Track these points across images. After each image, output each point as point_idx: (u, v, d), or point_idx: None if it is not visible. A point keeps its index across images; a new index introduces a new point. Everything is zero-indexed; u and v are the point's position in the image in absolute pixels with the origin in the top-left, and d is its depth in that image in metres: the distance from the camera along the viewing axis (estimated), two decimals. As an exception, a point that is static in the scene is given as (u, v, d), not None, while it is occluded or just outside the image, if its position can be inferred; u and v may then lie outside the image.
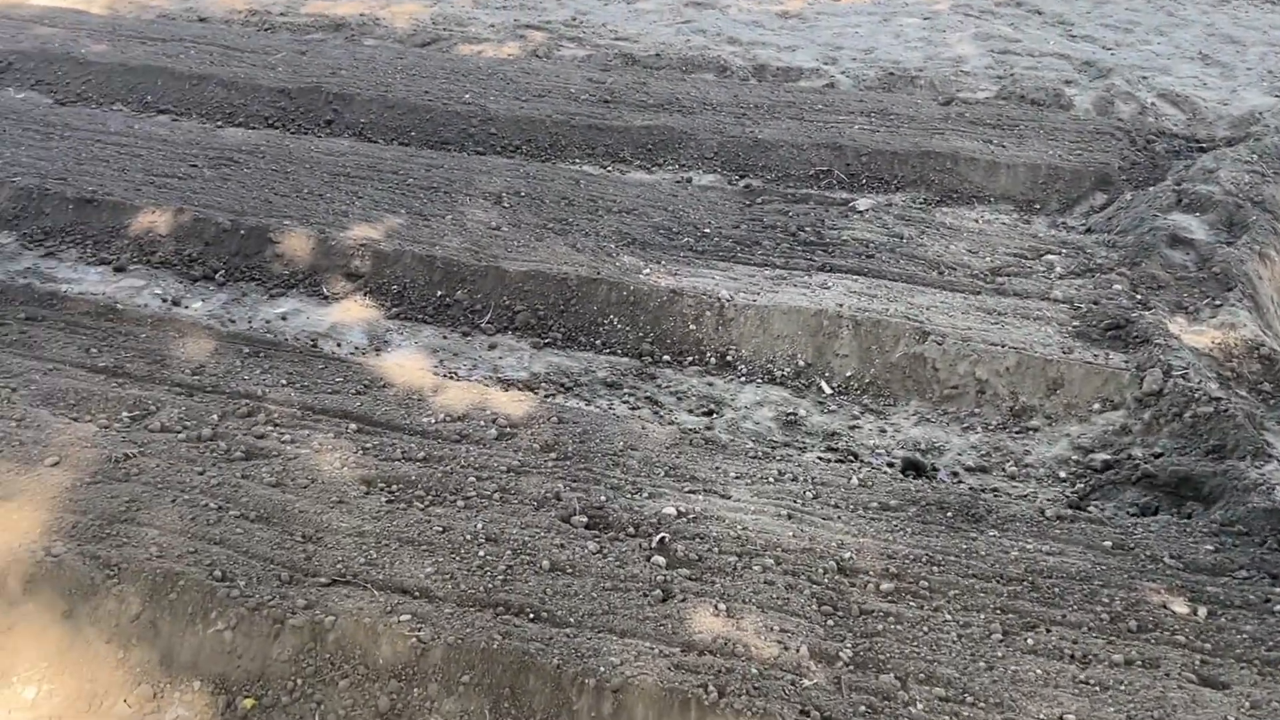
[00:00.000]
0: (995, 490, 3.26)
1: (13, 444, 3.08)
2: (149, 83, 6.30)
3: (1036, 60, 7.09)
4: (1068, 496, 3.24)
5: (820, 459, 3.39)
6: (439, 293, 4.31)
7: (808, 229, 4.75)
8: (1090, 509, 3.16)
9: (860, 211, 4.95)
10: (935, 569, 2.66)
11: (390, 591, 2.53)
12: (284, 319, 4.19)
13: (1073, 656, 2.42)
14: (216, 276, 4.48)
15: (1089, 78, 6.78)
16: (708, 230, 4.72)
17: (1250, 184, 5.12)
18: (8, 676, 2.49)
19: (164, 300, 4.28)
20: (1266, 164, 5.38)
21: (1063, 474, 3.38)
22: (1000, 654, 2.41)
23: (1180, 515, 3.06)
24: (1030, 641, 2.45)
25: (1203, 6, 8.30)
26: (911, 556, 2.69)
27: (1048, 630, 2.49)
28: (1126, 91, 6.51)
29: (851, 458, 3.44)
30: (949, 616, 2.49)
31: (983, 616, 2.50)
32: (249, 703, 2.37)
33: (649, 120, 5.93)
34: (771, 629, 2.42)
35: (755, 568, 2.62)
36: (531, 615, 2.46)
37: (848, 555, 2.69)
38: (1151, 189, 5.24)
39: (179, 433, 3.16)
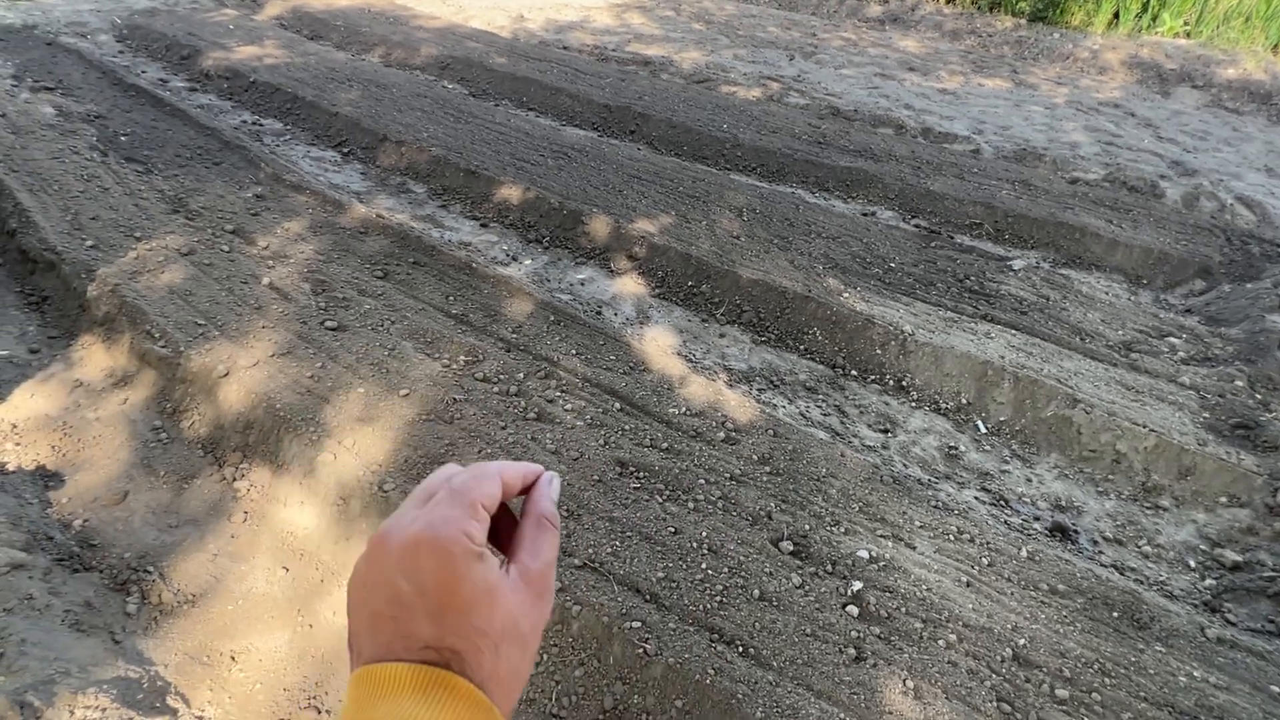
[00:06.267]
0: (1134, 569, 2.22)
1: (382, 371, 2.46)
2: (525, 89, 5.48)
3: (1135, 154, 5.43)
4: (1202, 591, 2.17)
5: (977, 499, 2.42)
6: (689, 283, 3.43)
7: (972, 278, 3.56)
8: (1226, 610, 2.09)
9: (1015, 270, 3.71)
10: (1107, 680, 1.69)
11: (627, 589, 1.79)
12: (582, 284, 3.42)
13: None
14: (543, 241, 3.74)
15: (1177, 174, 5.12)
16: (893, 265, 3.61)
17: (1347, 299, 3.56)
18: (340, 576, 1.93)
19: (507, 254, 3.59)
20: (1360, 282, 3.75)
21: (1192, 562, 2.28)
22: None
23: (1327, 652, 1.96)
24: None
25: (1260, 125, 6.32)
26: (1084, 660, 1.73)
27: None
28: (1210, 191, 4.85)
29: (1002, 502, 2.44)
30: (1124, 749, 1.56)
31: (1158, 758, 1.56)
32: (505, 663, 1.73)
33: (849, 162, 4.72)
34: (956, 726, 1.57)
35: (939, 642, 1.73)
36: (740, 649, 1.67)
37: (1022, 643, 1.76)
38: (1249, 285, 3.74)
39: (494, 384, 2.48)
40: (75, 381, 2.47)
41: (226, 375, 2.34)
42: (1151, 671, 1.73)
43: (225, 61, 5.26)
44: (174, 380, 2.40)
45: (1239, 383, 2.99)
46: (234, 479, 2.16)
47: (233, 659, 1.73)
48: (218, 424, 2.29)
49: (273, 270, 2.92)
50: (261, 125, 4.63)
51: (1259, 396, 2.93)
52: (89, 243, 2.95)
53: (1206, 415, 2.76)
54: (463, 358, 2.58)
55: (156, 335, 2.49)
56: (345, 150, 4.43)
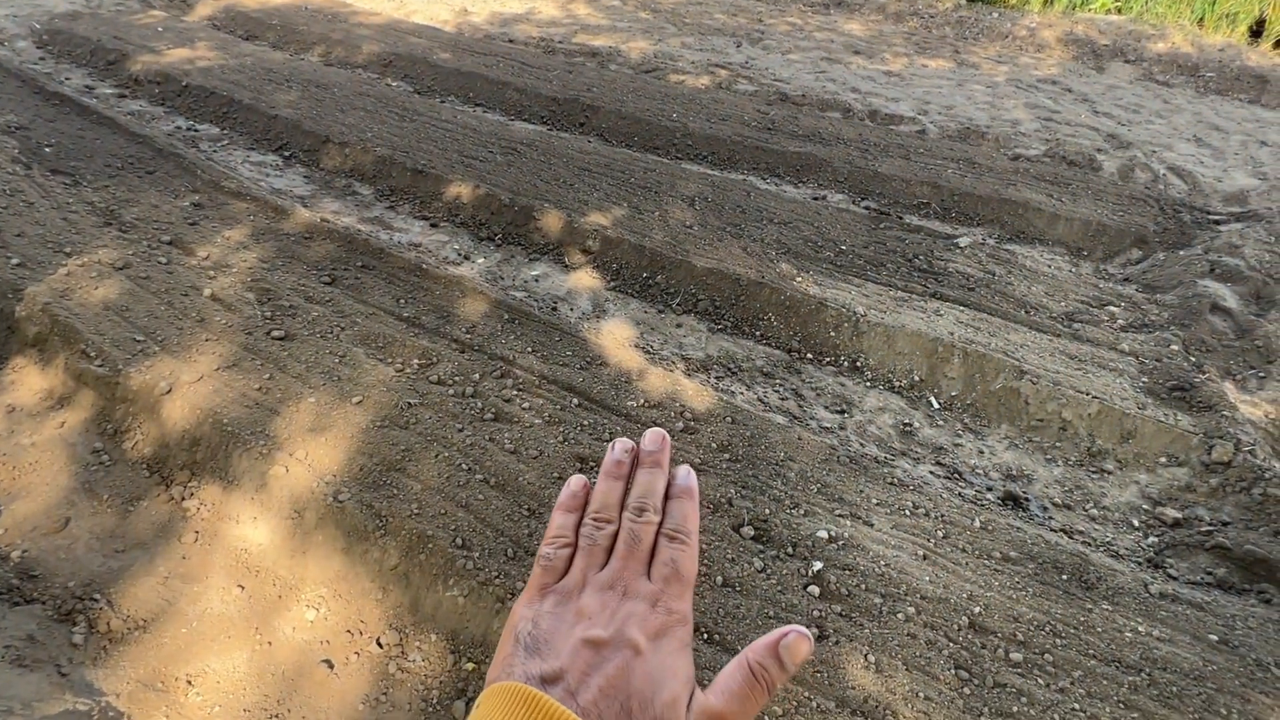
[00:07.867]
0: (1082, 532, 2.30)
1: (333, 378, 2.41)
2: (471, 84, 5.40)
3: (1073, 129, 5.61)
4: (1145, 549, 2.26)
5: (932, 473, 2.47)
6: (644, 274, 3.43)
7: (921, 257, 3.64)
8: (1168, 566, 2.19)
9: (961, 247, 3.79)
10: (1058, 641, 1.76)
11: (591, 584, 1.81)
12: (537, 281, 3.40)
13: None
14: (496, 238, 3.70)
15: (1113, 147, 5.30)
16: (844, 248, 3.66)
17: (1272, 262, 3.72)
18: (298, 591, 1.89)
19: (459, 253, 3.54)
20: (1281, 243, 3.94)
21: (1136, 522, 2.38)
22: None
23: (1260, 600, 2.06)
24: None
25: (1188, 97, 6.58)
26: (1036, 623, 1.79)
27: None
28: (1144, 162, 5.05)
29: (956, 475, 2.51)
30: (1076, 705, 1.62)
31: (1109, 710, 1.62)
32: (470, 666, 1.71)
33: (799, 147, 4.76)
34: (917, 695, 1.60)
35: (899, 615, 1.77)
36: (705, 635, 1.69)
37: (977, 610, 1.81)
38: (1182, 253, 3.90)
39: (450, 387, 2.45)
40: (7, 407, 2.37)
41: (169, 392, 2.27)
42: (1099, 630, 1.80)
43: (155, 65, 5.06)
44: (114, 400, 2.32)
45: (1174, 347, 3.11)
46: (182, 498, 2.10)
47: (189, 683, 1.69)
48: (163, 443, 2.22)
49: (214, 281, 2.83)
50: (197, 131, 4.47)
51: (1193, 359, 3.06)
52: (15, 261, 2.82)
53: (1145, 380, 2.87)
54: (416, 361, 2.55)
55: (92, 354, 2.40)
56: (287, 154, 4.31)
